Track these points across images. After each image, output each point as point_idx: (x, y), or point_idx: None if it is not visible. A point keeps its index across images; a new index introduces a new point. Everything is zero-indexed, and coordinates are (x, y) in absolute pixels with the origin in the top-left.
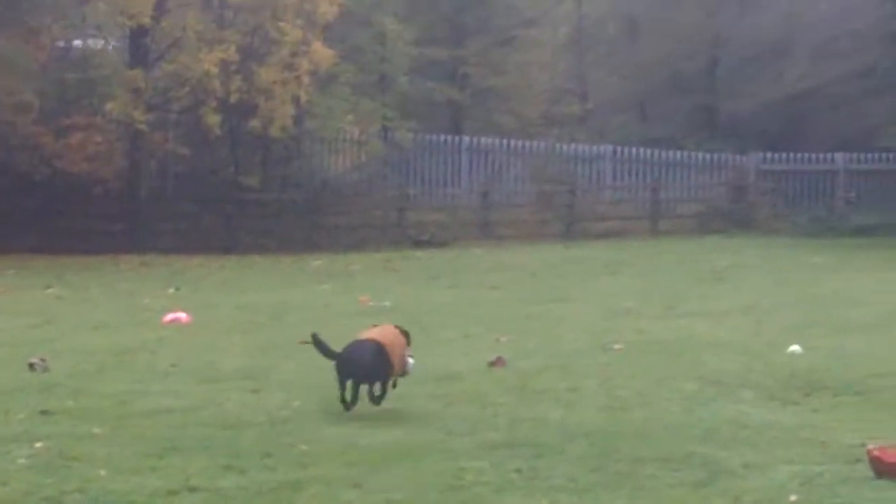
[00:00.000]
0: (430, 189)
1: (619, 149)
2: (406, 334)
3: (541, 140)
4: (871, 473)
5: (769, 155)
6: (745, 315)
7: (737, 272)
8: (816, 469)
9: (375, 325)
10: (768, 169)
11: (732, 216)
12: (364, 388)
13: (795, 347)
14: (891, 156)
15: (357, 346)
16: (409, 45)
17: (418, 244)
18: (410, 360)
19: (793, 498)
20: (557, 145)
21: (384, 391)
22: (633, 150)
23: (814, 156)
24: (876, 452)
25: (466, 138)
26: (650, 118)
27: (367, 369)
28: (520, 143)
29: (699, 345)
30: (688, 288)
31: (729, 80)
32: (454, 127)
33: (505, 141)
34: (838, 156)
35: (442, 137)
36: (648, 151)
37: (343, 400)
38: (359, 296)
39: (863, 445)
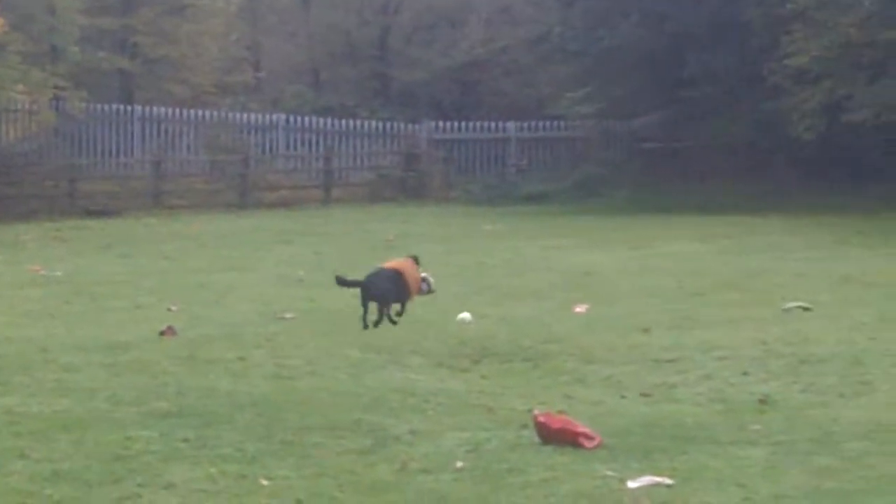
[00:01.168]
0: (101, 159)
1: (292, 118)
2: (416, 259)
3: (214, 109)
4: (537, 439)
5: (441, 123)
6: None
7: (408, 240)
8: (484, 435)
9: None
10: (441, 138)
11: (404, 185)
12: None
13: (465, 315)
14: (561, 124)
15: (376, 273)
16: (79, 15)
17: (90, 214)
18: (432, 280)
19: (459, 464)
20: (230, 114)
21: (402, 311)
22: (306, 118)
23: (486, 124)
24: (542, 418)
25: (138, 108)
26: (323, 87)
27: (383, 292)
28: (192, 112)
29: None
30: (359, 257)
31: (402, 48)
32: (126, 97)
33: (177, 110)
34: (510, 124)
35: (114, 107)
36: (321, 120)
37: (363, 320)
38: (29, 266)
39: (530, 412)
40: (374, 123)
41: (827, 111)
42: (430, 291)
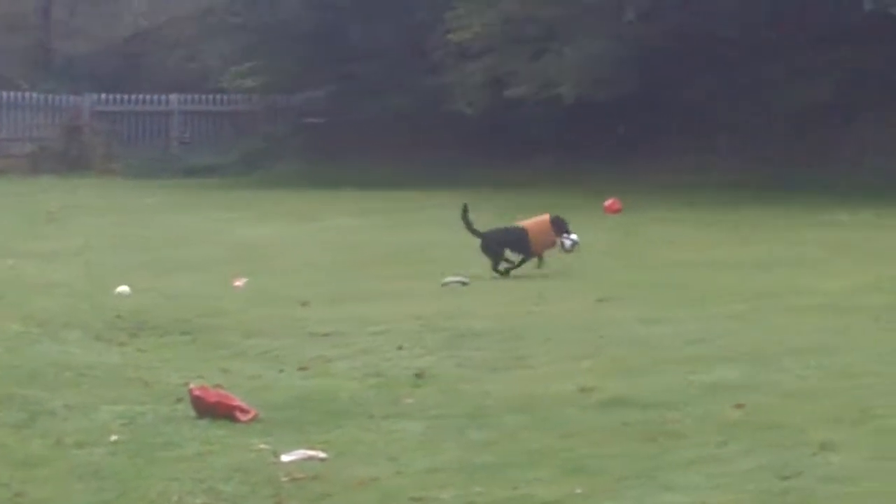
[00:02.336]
0: None
1: None
2: (559, 221)
3: None
4: (193, 413)
5: (104, 96)
6: (75, 256)
7: (69, 213)
8: (139, 409)
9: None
10: (103, 110)
11: (66, 157)
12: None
13: (124, 288)
14: (224, 97)
15: (500, 230)
16: None
17: None
18: (567, 242)
19: (114, 438)
20: None
21: (520, 264)
22: None
23: (149, 97)
24: (197, 392)
25: None
26: None
27: (488, 247)
28: None
29: (26, 286)
30: (19, 229)
31: (66, 19)
32: None
33: None
34: (173, 97)
35: None
36: None
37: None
38: None
39: (186, 385)
40: (35, 95)
41: (490, 86)
42: (568, 250)
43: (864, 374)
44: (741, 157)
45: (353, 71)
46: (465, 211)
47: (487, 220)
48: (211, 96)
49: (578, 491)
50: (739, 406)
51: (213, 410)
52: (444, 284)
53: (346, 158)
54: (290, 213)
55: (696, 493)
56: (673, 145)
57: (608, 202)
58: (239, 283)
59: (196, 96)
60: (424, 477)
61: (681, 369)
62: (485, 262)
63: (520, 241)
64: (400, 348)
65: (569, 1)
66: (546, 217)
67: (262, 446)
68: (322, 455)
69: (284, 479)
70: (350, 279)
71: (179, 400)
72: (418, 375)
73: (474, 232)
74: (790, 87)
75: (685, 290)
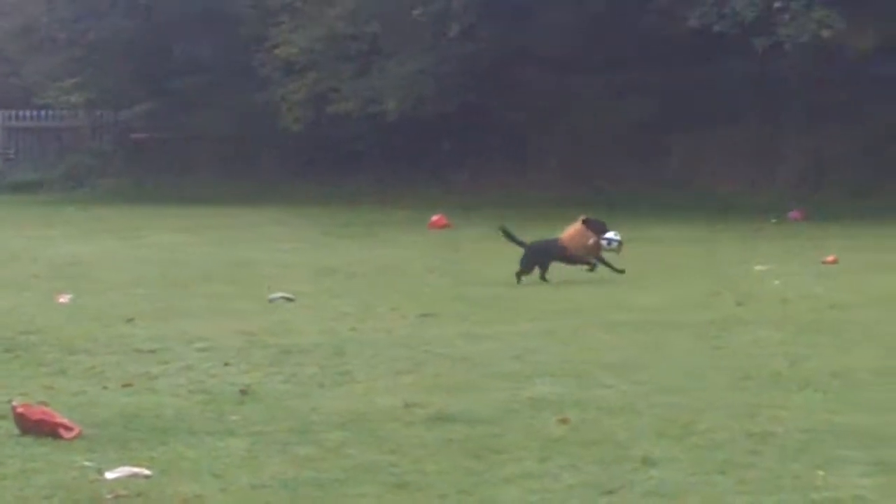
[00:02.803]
0: None
1: None
2: (594, 222)
3: None
4: (16, 430)
5: None
6: None
7: None
8: None
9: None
10: None
11: None
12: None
13: None
14: (49, 113)
15: (542, 242)
16: None
17: None
18: (604, 242)
19: None
20: None
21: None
22: None
23: None
24: (21, 409)
25: None
26: None
27: (526, 257)
28: None
29: None
30: None
31: None
32: None
33: None
34: None
35: None
36: None
37: (542, 278)
38: None
39: (9, 402)
40: None
41: (315, 102)
42: (610, 249)
43: (682, 389)
44: (566, 173)
45: (178, 87)
46: (505, 231)
47: (313, 235)
48: (36, 112)
49: None
50: (564, 421)
51: (36, 428)
52: (271, 301)
53: (171, 174)
54: (114, 229)
55: None
56: (498, 161)
57: (434, 217)
58: (63, 298)
59: (21, 112)
60: (249, 493)
61: (504, 385)
62: (310, 277)
63: (560, 252)
64: (226, 364)
65: (393, 17)
66: (578, 223)
67: (86, 463)
68: (146, 472)
69: (108, 496)
70: (175, 296)
71: (2, 417)
72: (244, 392)
73: (518, 242)
74: (616, 103)
75: (506, 306)
